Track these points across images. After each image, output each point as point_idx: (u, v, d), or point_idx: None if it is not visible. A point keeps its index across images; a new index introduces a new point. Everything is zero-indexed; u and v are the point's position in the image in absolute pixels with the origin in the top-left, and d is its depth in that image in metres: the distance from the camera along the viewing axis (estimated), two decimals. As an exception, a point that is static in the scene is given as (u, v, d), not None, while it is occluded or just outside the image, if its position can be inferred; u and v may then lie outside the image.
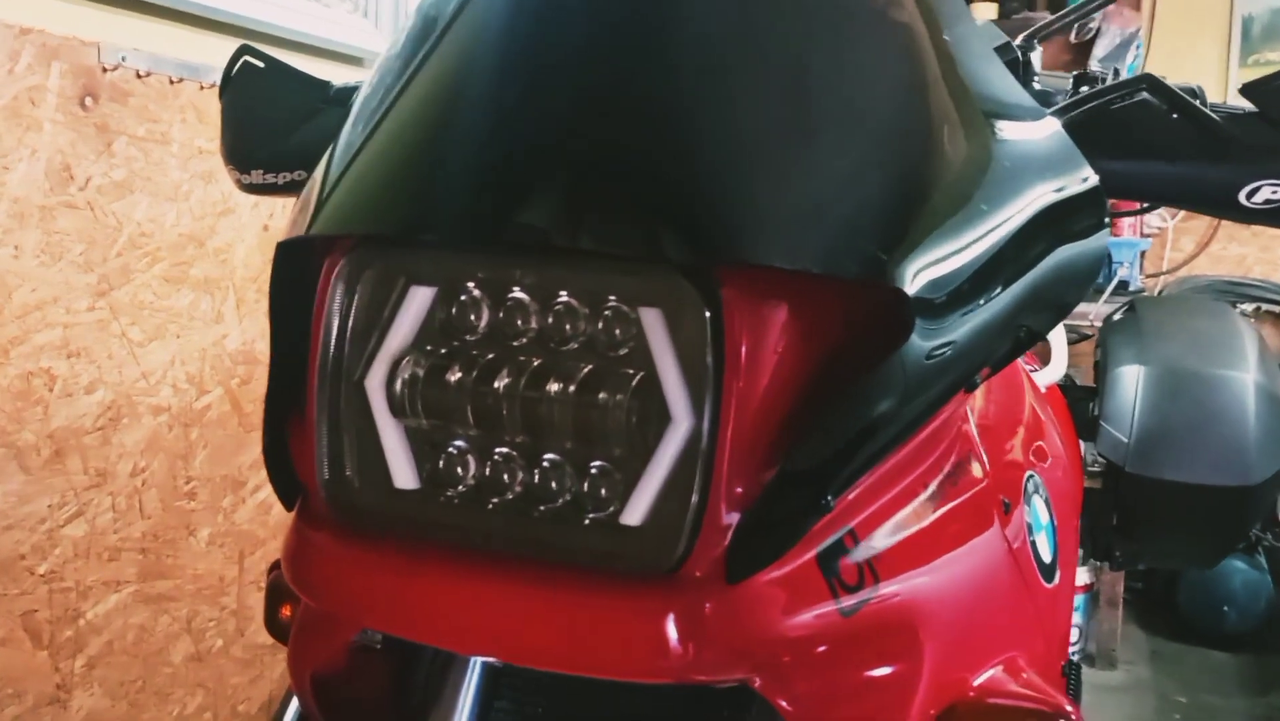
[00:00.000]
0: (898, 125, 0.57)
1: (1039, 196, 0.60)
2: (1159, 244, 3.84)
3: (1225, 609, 3.31)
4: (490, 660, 0.67)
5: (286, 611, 0.84)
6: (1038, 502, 0.76)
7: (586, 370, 0.54)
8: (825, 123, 0.55)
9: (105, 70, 1.40)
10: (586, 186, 0.51)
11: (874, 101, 0.57)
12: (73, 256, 1.38)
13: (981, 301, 0.56)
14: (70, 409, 1.39)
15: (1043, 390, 1.62)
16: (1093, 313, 3.06)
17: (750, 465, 0.52)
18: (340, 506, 0.58)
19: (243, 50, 0.97)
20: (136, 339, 1.48)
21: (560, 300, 0.55)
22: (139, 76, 1.45)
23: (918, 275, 0.52)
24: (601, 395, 0.53)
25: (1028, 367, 1.56)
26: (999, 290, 0.57)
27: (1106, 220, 0.64)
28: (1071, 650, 3.58)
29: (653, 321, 0.52)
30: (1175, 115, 0.73)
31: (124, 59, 1.42)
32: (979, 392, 0.76)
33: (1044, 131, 0.64)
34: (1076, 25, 3.91)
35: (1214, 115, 0.72)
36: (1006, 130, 0.62)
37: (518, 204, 0.52)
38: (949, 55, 0.62)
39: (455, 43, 0.59)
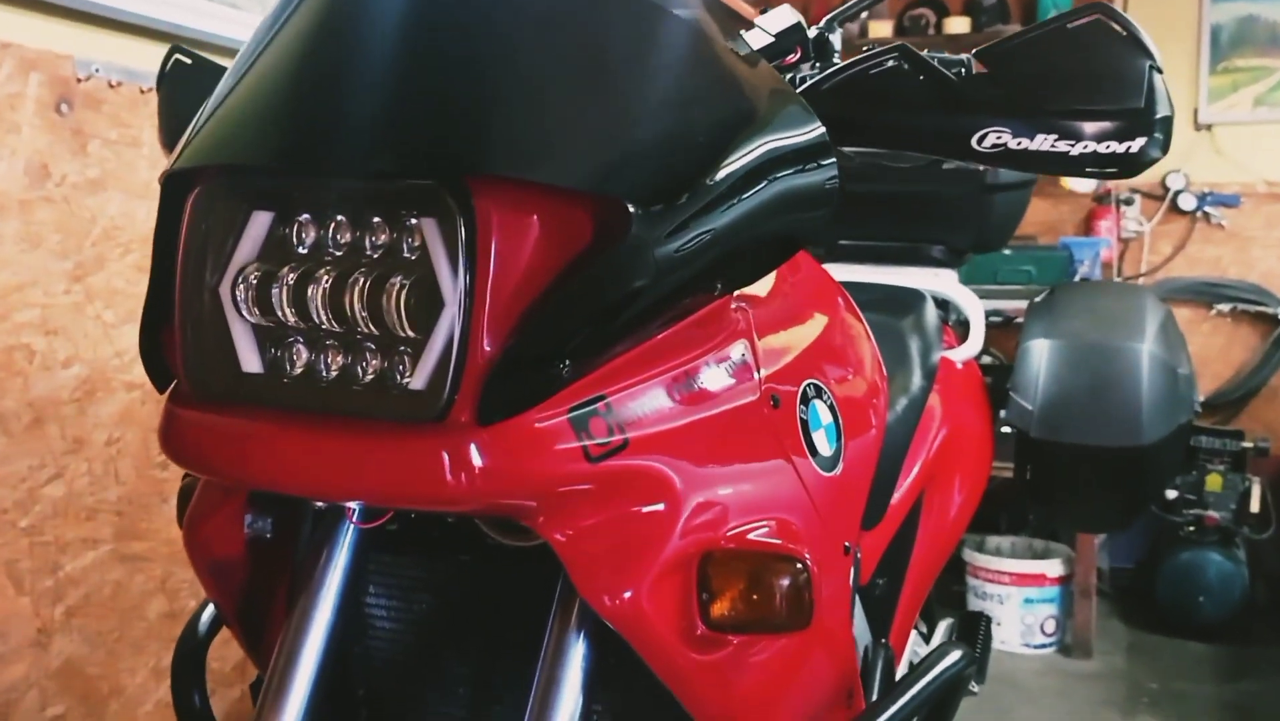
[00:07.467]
0: (646, 86, 0.74)
1: (767, 142, 0.76)
2: (1137, 246, 3.94)
3: (1201, 599, 3.36)
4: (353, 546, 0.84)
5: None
6: (819, 406, 0.90)
7: (385, 272, 0.69)
8: (580, 79, 0.71)
9: (79, 80, 1.58)
10: (384, 128, 0.68)
11: (632, 68, 0.74)
12: (50, 245, 1.55)
13: (707, 216, 0.71)
14: (49, 381, 1.56)
15: (959, 366, 1.75)
16: (1041, 303, 3.19)
17: (501, 338, 0.67)
18: (200, 388, 0.74)
19: (174, 49, 1.13)
20: (110, 321, 1.65)
21: (369, 218, 0.71)
22: (111, 86, 1.63)
23: (637, 188, 0.67)
24: (396, 289, 0.69)
25: (944, 345, 1.70)
26: (724, 208, 0.72)
27: (832, 158, 0.79)
28: (1047, 640, 3.57)
29: (430, 229, 0.68)
30: (921, 77, 0.87)
31: (96, 70, 1.60)
32: (772, 307, 0.90)
33: (781, 97, 0.80)
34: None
35: (952, 76, 0.87)
36: (744, 97, 0.77)
37: (334, 142, 0.68)
38: (715, 48, 0.79)
39: (297, 21, 0.76)
